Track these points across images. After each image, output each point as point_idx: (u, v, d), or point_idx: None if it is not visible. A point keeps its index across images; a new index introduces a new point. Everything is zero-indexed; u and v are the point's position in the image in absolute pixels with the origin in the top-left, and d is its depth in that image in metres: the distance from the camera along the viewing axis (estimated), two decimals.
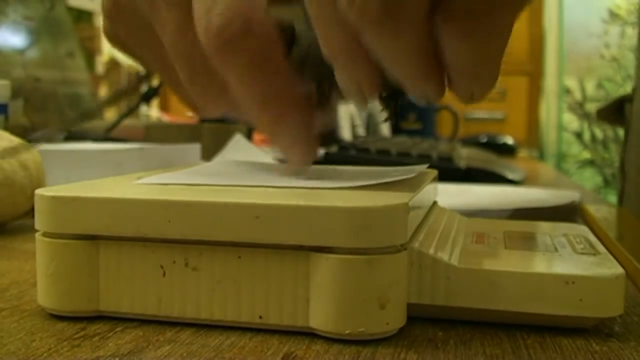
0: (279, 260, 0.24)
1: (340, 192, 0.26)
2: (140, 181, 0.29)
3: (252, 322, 0.25)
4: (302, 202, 0.24)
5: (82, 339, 0.24)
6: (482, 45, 0.23)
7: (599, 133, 2.54)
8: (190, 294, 0.25)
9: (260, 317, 0.24)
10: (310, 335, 0.24)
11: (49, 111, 1.23)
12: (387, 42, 0.23)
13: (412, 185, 0.29)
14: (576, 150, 2.76)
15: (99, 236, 0.25)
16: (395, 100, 0.29)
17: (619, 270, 0.25)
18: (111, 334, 0.25)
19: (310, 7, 0.24)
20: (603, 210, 0.59)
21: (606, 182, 2.53)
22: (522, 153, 1.78)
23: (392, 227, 0.24)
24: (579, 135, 2.72)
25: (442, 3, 0.22)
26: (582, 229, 0.34)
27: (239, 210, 0.24)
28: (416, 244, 0.26)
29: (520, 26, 2.60)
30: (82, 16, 1.95)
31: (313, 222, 0.23)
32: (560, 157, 2.81)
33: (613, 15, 2.69)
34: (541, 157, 2.62)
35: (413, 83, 0.25)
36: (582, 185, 1.20)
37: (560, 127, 2.80)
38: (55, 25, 1.15)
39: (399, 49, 0.23)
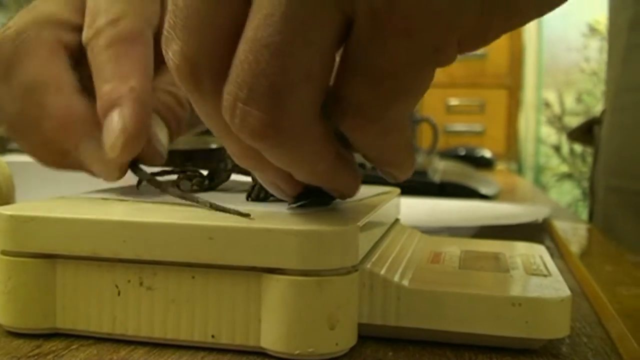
0: (232, 281, 0.24)
1: (293, 215, 0.27)
2: (93, 195, 0.30)
3: (204, 342, 0.25)
4: (254, 225, 0.24)
5: (37, 356, 0.24)
6: (382, 138, 0.23)
7: (577, 146, 2.57)
8: (145, 313, 0.25)
9: (213, 336, 0.25)
10: (261, 355, 0.25)
11: None
12: (275, 153, 0.22)
13: (368, 205, 0.29)
14: (555, 163, 2.78)
15: (56, 255, 0.26)
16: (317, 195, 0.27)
17: (566, 292, 0.26)
18: (66, 351, 0.25)
19: (204, 118, 0.23)
20: (571, 227, 0.60)
21: (584, 195, 2.56)
22: (500, 166, 1.79)
23: (342, 250, 0.24)
24: (557, 149, 2.74)
25: (336, 103, 0.22)
26: (540, 249, 0.35)
27: (193, 231, 0.24)
28: (368, 265, 0.26)
29: (500, 40, 2.61)
30: None
31: (265, 244, 0.24)
32: (539, 170, 2.83)
33: (592, 30, 2.72)
34: (519, 170, 2.64)
35: (318, 184, 0.25)
36: (560, 198, 1.21)
37: (539, 140, 2.83)
38: None
39: (289, 158, 0.23)
